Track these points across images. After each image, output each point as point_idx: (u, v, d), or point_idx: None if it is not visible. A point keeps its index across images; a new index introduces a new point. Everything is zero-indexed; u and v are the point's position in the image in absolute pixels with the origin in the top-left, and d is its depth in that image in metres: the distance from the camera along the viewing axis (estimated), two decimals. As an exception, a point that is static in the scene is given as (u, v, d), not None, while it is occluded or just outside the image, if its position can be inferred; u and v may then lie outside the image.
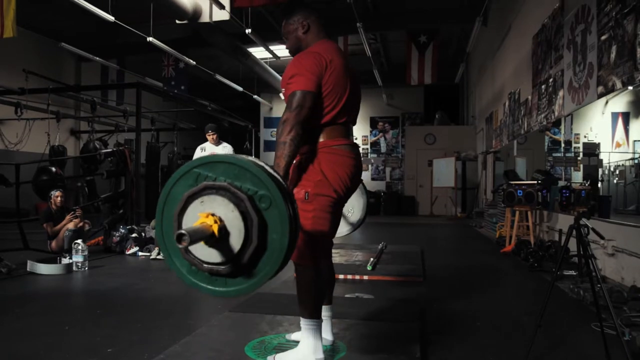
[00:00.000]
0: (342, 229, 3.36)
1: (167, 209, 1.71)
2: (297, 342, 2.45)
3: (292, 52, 2.49)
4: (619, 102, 7.62)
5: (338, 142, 2.32)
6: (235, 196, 1.58)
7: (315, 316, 2.27)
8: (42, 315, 3.45)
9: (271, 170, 1.65)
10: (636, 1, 3.95)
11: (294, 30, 2.45)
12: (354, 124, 2.57)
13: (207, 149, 6.80)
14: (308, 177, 2.27)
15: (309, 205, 2.22)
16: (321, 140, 2.30)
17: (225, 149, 6.82)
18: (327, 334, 2.56)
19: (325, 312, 2.51)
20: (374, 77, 14.69)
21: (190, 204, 1.63)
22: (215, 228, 1.57)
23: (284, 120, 2.15)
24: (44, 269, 4.89)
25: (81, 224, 6.11)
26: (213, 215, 1.59)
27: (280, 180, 1.65)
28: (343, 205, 2.44)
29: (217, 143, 6.81)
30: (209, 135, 6.77)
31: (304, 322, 2.28)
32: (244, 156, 1.67)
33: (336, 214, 2.34)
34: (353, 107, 2.50)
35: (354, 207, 3.44)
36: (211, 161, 1.66)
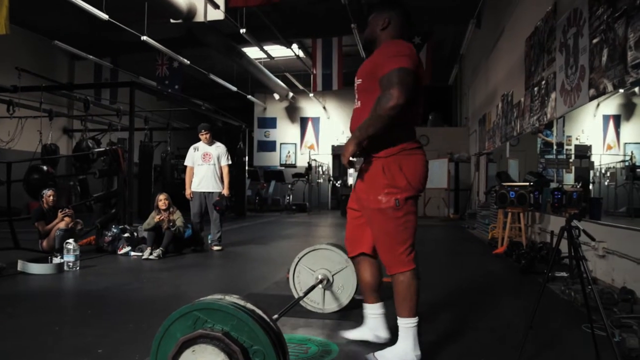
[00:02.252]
0: (332, 305, 3.33)
1: (163, 346, 1.76)
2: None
3: (365, 42, 2.60)
4: (610, 105, 7.66)
5: (413, 144, 2.45)
6: (229, 348, 1.63)
7: (413, 315, 2.38)
8: (32, 315, 3.43)
9: (270, 323, 1.73)
10: (627, 5, 3.99)
11: (374, 23, 2.54)
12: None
13: (200, 148, 6.81)
14: (395, 184, 2.34)
15: (399, 212, 2.33)
16: (401, 143, 2.38)
17: (218, 148, 6.83)
18: (382, 332, 2.68)
19: (378, 309, 2.67)
20: (368, 78, 14.71)
21: (184, 350, 1.68)
22: None
23: (391, 94, 2.17)
24: (35, 268, 4.86)
25: (72, 223, 6.08)
26: None
27: (275, 336, 1.72)
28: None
29: (210, 143, 6.82)
30: (202, 134, 6.78)
31: (403, 322, 2.38)
32: (243, 304, 1.73)
33: (416, 211, 2.45)
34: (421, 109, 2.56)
35: (344, 285, 3.31)
36: (212, 308, 1.71)
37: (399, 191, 2.34)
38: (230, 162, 6.92)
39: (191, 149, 6.91)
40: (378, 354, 2.42)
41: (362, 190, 2.46)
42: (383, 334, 2.67)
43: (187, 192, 6.75)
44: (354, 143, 2.28)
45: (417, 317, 2.40)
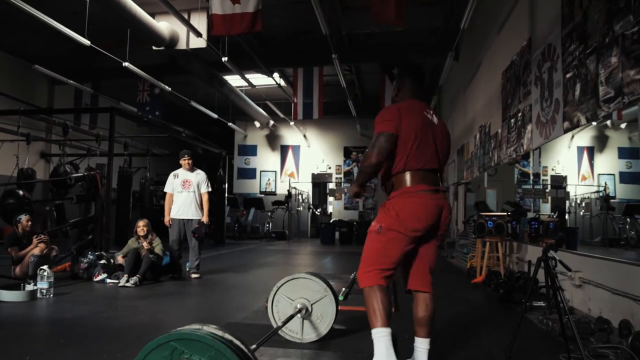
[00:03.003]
0: (311, 335, 3.32)
1: None
2: None
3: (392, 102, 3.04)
4: (584, 137, 7.87)
5: (419, 187, 2.68)
6: None
7: (381, 324, 2.61)
8: (2, 344, 3.32)
9: (248, 353, 1.72)
10: (597, 43, 4.14)
11: (393, 89, 3.07)
12: (441, 172, 2.88)
13: (179, 175, 6.77)
14: (386, 216, 2.69)
15: (381, 236, 2.67)
16: (404, 187, 2.71)
17: (198, 175, 6.81)
18: None
19: (422, 344, 2.84)
20: (348, 107, 14.91)
21: None
22: None
23: (368, 155, 2.68)
24: (7, 295, 4.73)
25: (47, 249, 5.96)
26: None
27: None
28: (418, 239, 2.72)
29: (190, 169, 6.79)
30: (184, 160, 6.74)
31: (374, 332, 2.62)
32: (221, 335, 1.72)
33: (406, 246, 2.68)
34: (435, 155, 2.79)
35: (322, 315, 3.31)
36: (189, 338, 1.69)
37: (386, 222, 2.66)
38: (210, 189, 6.89)
39: (171, 175, 6.87)
40: None
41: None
42: None
43: (166, 219, 6.69)
44: (354, 186, 2.80)
45: (386, 328, 2.59)
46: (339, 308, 3.37)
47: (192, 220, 6.64)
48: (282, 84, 14.59)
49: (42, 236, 6.04)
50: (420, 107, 2.82)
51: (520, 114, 6.59)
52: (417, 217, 2.63)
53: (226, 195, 13.89)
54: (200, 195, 6.76)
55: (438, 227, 2.74)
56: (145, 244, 6.18)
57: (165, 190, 6.88)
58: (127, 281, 5.82)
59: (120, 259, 6.26)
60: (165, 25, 9.55)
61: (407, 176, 2.69)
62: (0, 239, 8.80)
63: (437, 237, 2.79)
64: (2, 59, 12.42)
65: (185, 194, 6.66)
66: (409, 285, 2.90)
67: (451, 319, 4.40)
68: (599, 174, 7.95)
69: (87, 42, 8.29)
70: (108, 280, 6.03)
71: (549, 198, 8.32)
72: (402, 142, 2.66)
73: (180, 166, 6.82)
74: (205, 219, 6.70)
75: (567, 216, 8.10)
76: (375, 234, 2.70)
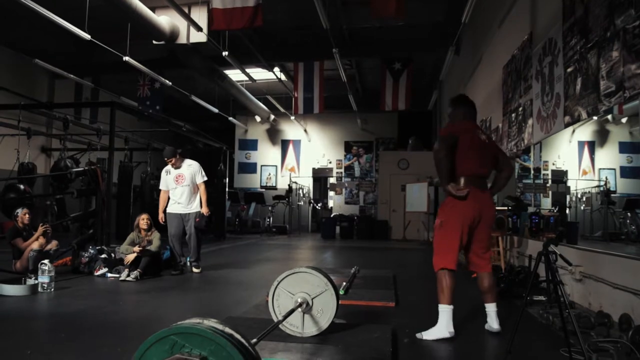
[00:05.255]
0: (311, 329, 3.32)
1: None
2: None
3: None
4: (585, 132, 7.87)
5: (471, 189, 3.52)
6: None
7: (446, 302, 3.47)
8: (3, 338, 3.33)
9: (249, 347, 1.73)
10: (598, 37, 4.13)
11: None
12: (486, 176, 3.73)
13: (171, 171, 6.66)
14: (442, 212, 3.62)
15: (441, 230, 3.58)
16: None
17: (190, 167, 6.69)
18: (494, 323, 3.62)
19: (491, 307, 3.67)
20: (349, 102, 14.87)
21: None
22: None
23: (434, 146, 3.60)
24: (8, 289, 4.75)
25: (46, 244, 5.97)
26: None
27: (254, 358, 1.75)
28: (469, 228, 3.57)
29: (179, 165, 6.68)
30: (168, 161, 6.65)
31: (439, 307, 3.50)
32: (222, 329, 1.72)
33: (462, 234, 3.54)
34: (483, 164, 3.65)
35: (323, 309, 3.30)
36: (189, 332, 1.69)
37: (443, 217, 3.59)
38: (206, 178, 6.77)
39: (163, 172, 6.77)
40: (425, 332, 3.47)
41: None
42: (495, 325, 3.60)
43: (160, 216, 6.64)
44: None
45: (451, 305, 3.46)
46: (340, 302, 3.38)
47: (190, 213, 6.59)
48: (283, 78, 14.55)
49: (47, 225, 6.05)
50: (471, 125, 3.78)
51: (521, 109, 6.58)
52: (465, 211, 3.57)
53: (227, 189, 13.88)
54: (197, 187, 6.68)
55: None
56: (145, 239, 6.20)
57: (160, 187, 6.81)
58: (128, 275, 5.84)
59: (130, 258, 6.10)
60: (165, 19, 9.52)
61: (468, 181, 3.57)
62: (2, 233, 8.82)
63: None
64: (3, 53, 12.39)
65: (180, 189, 6.57)
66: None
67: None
68: (600, 169, 7.95)
69: (87, 36, 8.27)
70: (109, 275, 6.04)
71: (550, 192, 8.33)
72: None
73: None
74: (204, 210, 6.63)
75: (567, 211, 8.10)
76: (437, 229, 3.67)
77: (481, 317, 4.42)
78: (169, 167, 6.71)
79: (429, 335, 3.43)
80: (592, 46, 4.26)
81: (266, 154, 19.50)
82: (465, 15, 7.84)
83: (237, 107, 16.92)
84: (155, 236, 6.34)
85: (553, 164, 8.17)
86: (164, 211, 6.67)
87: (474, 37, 10.04)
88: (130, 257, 6.03)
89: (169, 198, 6.68)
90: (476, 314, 4.52)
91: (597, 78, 4.14)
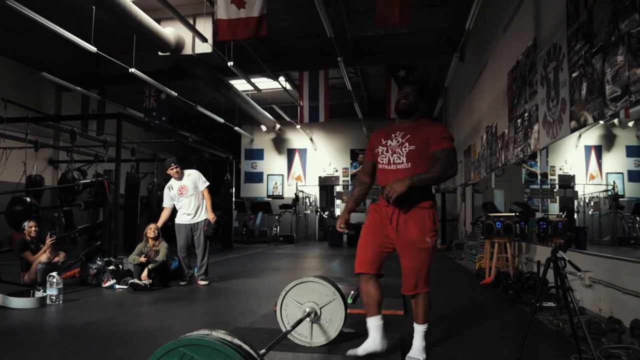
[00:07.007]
0: (320, 338, 3.30)
1: None
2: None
3: (408, 107, 3.21)
4: (592, 136, 7.83)
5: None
6: None
7: (426, 322, 3.14)
8: (13, 351, 3.34)
9: (258, 358, 1.73)
10: (602, 42, 4.12)
11: (417, 94, 3.25)
12: None
13: (173, 186, 6.68)
14: (436, 229, 3.10)
15: (431, 249, 3.08)
16: (433, 198, 3.15)
17: (190, 177, 6.70)
18: (383, 340, 3.13)
19: (380, 320, 3.13)
20: (354, 110, 14.90)
21: None
22: None
23: (452, 165, 2.97)
24: (16, 302, 4.76)
25: (53, 256, 5.99)
26: None
27: None
28: None
29: (180, 176, 6.69)
30: (171, 170, 6.64)
31: (420, 327, 3.13)
32: (230, 340, 1.72)
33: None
34: None
35: (331, 318, 3.28)
36: (198, 344, 1.70)
37: (435, 234, 3.08)
38: (207, 184, 6.75)
39: (166, 189, 6.79)
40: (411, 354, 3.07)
41: (414, 233, 3.00)
42: (383, 341, 3.10)
43: (159, 225, 6.65)
44: (406, 185, 2.83)
45: (427, 324, 3.13)
46: (348, 311, 3.36)
47: (198, 223, 6.60)
48: (288, 87, 14.61)
49: (53, 238, 6.08)
50: None
51: (526, 114, 6.56)
52: None
53: (233, 199, 13.91)
54: (201, 194, 6.69)
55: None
56: (150, 253, 6.25)
57: (164, 205, 6.78)
58: (140, 279, 5.88)
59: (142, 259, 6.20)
60: (170, 30, 9.60)
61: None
62: (10, 246, 8.86)
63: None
64: (11, 66, 12.53)
65: (186, 199, 6.59)
66: (374, 270, 3.15)
67: (461, 321, 4.38)
68: (607, 173, 7.90)
69: (93, 48, 8.34)
70: (117, 286, 6.06)
71: (557, 198, 8.28)
72: None
73: (170, 177, 6.75)
74: (210, 216, 6.62)
75: (575, 216, 8.05)
76: (431, 249, 3.06)
77: (490, 324, 4.40)
78: (170, 182, 6.73)
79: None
80: (596, 51, 4.25)
81: (272, 163, 19.54)
82: (470, 22, 7.85)
83: (242, 117, 16.98)
84: (163, 246, 6.35)
85: (560, 169, 8.13)
86: (172, 223, 6.70)
87: (479, 43, 10.04)
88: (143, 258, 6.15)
89: (171, 212, 6.72)
90: (484, 320, 4.50)
91: (602, 83, 4.13)
